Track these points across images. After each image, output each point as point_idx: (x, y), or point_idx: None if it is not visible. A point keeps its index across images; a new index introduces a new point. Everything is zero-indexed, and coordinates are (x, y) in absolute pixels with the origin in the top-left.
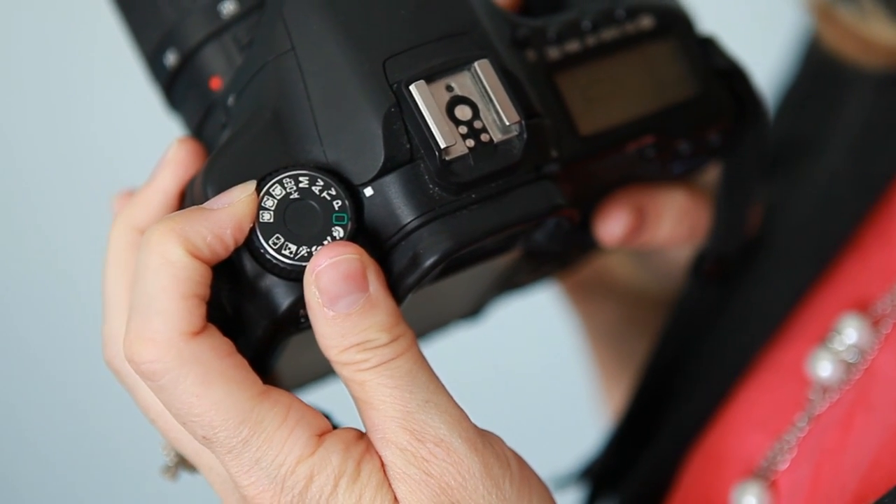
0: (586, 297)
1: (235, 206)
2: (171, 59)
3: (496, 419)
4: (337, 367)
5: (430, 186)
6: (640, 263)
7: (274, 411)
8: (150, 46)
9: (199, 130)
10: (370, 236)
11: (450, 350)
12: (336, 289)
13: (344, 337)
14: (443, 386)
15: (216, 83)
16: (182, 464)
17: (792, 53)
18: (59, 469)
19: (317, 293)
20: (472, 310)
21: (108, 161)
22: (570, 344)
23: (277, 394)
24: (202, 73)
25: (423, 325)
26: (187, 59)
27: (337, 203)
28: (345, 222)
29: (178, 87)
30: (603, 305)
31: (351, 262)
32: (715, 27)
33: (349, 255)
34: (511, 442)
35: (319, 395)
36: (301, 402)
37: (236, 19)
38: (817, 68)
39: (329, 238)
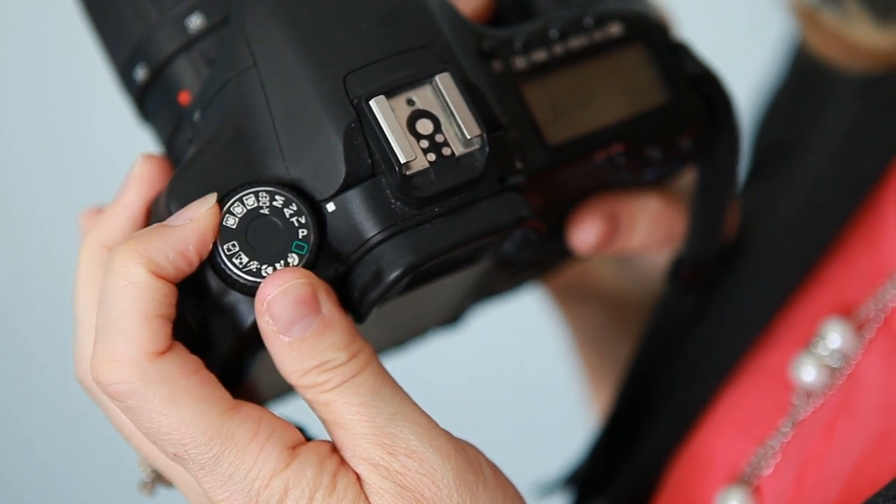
0: (570, 301)
1: (197, 221)
2: (140, 73)
3: (481, 425)
4: (301, 392)
5: (393, 201)
6: (623, 268)
7: (244, 426)
8: (121, 61)
9: (170, 144)
10: (333, 252)
11: (432, 356)
12: (289, 315)
13: (303, 361)
14: (408, 397)
15: (185, 97)
16: (159, 479)
17: (779, 57)
18: (59, 469)
19: (270, 321)
20: (451, 317)
21: (108, 162)
22: (557, 347)
23: (247, 408)
24: (171, 87)
25: (401, 334)
26: (156, 74)
27: (299, 219)
28: (306, 238)
29: (148, 100)
30: (587, 309)
31: (300, 287)
32: (703, 32)
33: (298, 281)
34: (496, 448)
35: (294, 408)
36: (272, 415)
37: (204, 34)
38: (803, 72)
39: (291, 254)
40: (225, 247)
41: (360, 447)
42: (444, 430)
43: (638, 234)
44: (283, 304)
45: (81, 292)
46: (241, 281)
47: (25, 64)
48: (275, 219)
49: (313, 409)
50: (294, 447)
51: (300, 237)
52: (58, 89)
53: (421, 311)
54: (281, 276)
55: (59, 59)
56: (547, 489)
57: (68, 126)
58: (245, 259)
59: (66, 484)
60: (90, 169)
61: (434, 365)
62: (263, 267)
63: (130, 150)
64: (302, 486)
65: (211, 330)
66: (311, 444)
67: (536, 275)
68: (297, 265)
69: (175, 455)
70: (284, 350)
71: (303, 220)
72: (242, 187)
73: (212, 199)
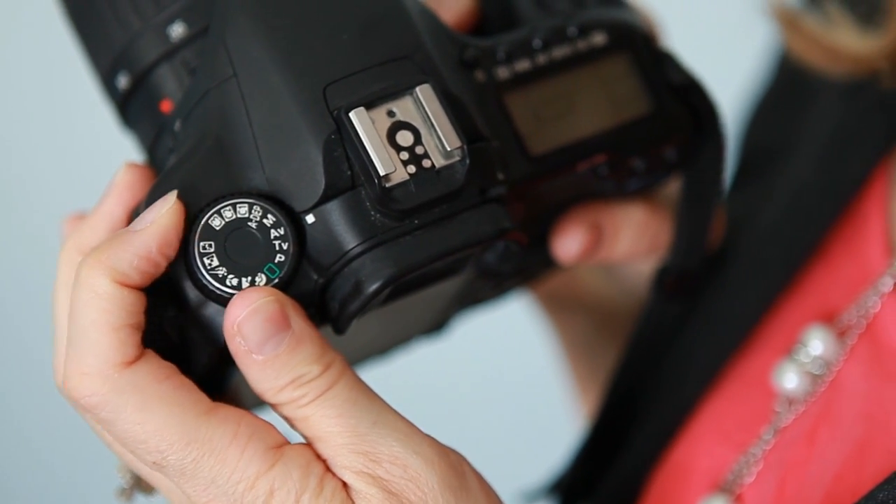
0: (557, 308)
1: (157, 223)
2: (122, 81)
3: (466, 432)
4: (278, 410)
5: (372, 213)
6: (609, 276)
7: (223, 428)
8: (103, 68)
9: (152, 152)
10: (313, 263)
11: (417, 364)
12: (259, 334)
13: (277, 378)
14: (387, 405)
15: (167, 106)
16: (137, 486)
17: (765, 63)
18: (59, 469)
19: (242, 342)
20: (436, 325)
21: (107, 165)
22: (543, 353)
23: (226, 410)
24: (153, 95)
25: (385, 342)
26: (138, 82)
27: (278, 231)
28: (285, 251)
29: (131, 108)
30: (574, 316)
31: (269, 305)
32: (689, 40)
33: (265, 299)
34: (481, 454)
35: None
36: (253, 415)
37: (186, 42)
38: (788, 77)
39: (270, 268)
40: (204, 259)
41: (343, 457)
42: (427, 435)
43: (622, 243)
44: (252, 323)
45: (60, 301)
46: (220, 293)
47: (20, 68)
48: (254, 231)
49: (293, 426)
50: (278, 447)
51: (279, 249)
52: (56, 92)
53: (405, 319)
54: (248, 295)
55: (52, 63)
56: (532, 496)
57: (66, 129)
58: (224, 271)
59: (67, 484)
60: (88, 172)
61: (419, 372)
62: (243, 279)
63: (126, 154)
64: (288, 488)
65: (190, 341)
66: (296, 445)
67: (521, 283)
68: (277, 278)
69: (154, 463)
70: (258, 369)
71: (282, 233)
72: (222, 199)
73: (172, 197)
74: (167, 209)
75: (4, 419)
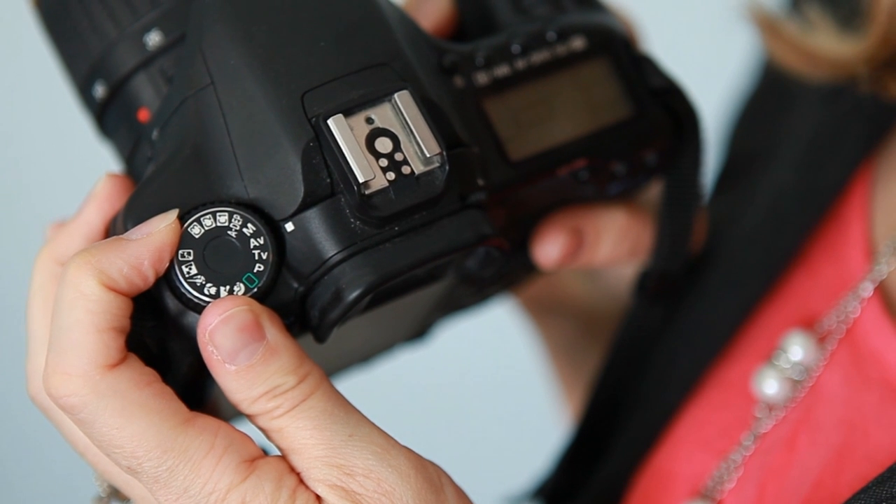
0: (541, 313)
1: (154, 237)
2: (99, 90)
3: (448, 438)
4: (253, 421)
5: (352, 220)
6: (593, 280)
7: (200, 439)
8: (80, 78)
9: (130, 161)
10: (292, 271)
11: (399, 370)
12: (232, 343)
13: (251, 388)
14: (364, 417)
15: (144, 115)
16: (114, 495)
17: (748, 68)
18: (60, 469)
19: (214, 351)
20: (418, 332)
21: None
22: (527, 358)
23: (203, 420)
24: (130, 104)
25: (366, 350)
26: (115, 91)
27: (257, 240)
28: (264, 260)
29: (108, 117)
30: (558, 321)
31: (242, 314)
32: (669, 44)
33: (238, 308)
34: (464, 461)
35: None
36: (230, 427)
37: (162, 50)
38: (771, 82)
39: (249, 277)
40: (183, 268)
41: (317, 469)
42: (404, 448)
43: (604, 247)
44: (225, 332)
45: (34, 307)
46: (199, 302)
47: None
48: (233, 239)
49: (268, 437)
50: (252, 460)
51: (259, 258)
52: (35, 101)
53: (386, 326)
54: (221, 304)
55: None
56: (515, 501)
57: (48, 137)
58: (203, 280)
59: (67, 484)
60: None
61: (403, 378)
62: (221, 288)
63: (108, 162)
64: (259, 501)
65: (170, 351)
66: (270, 458)
67: (503, 289)
68: (256, 287)
69: (129, 468)
70: (231, 378)
71: (262, 242)
72: (201, 207)
73: (172, 215)
74: (166, 225)
75: (4, 419)
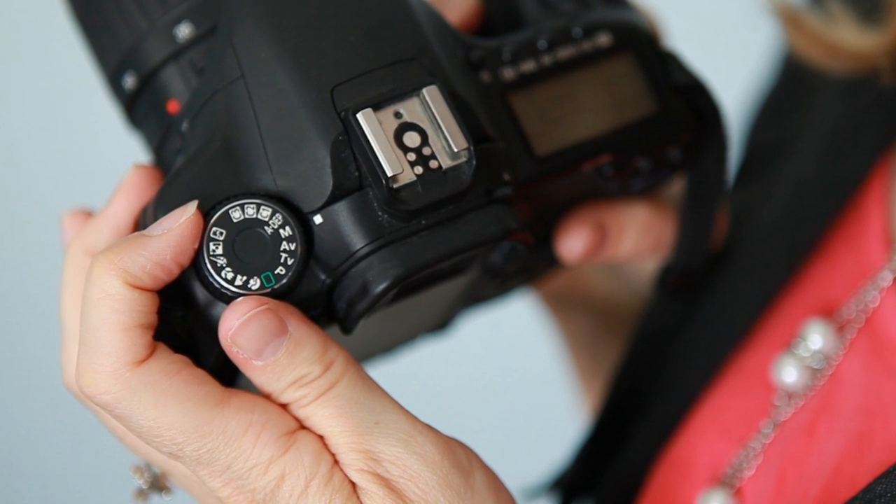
0: (562, 307)
1: (175, 231)
2: (129, 81)
3: (469, 428)
4: (287, 410)
5: (380, 214)
6: (613, 274)
7: (238, 417)
8: (110, 69)
9: (159, 152)
10: (321, 263)
11: (422, 360)
12: (256, 342)
13: (278, 381)
14: (392, 401)
15: (173, 106)
16: (154, 486)
17: (769, 62)
18: (59, 469)
19: (239, 351)
20: (440, 324)
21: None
22: (547, 350)
23: (239, 398)
24: (160, 96)
25: (390, 341)
26: (145, 82)
27: (286, 232)
28: (293, 252)
29: (137, 108)
30: (578, 314)
31: (262, 315)
32: (693, 40)
33: (257, 308)
34: (483, 452)
35: None
36: (266, 402)
37: (192, 42)
38: (791, 76)
39: (279, 267)
40: (212, 259)
41: (346, 455)
42: (433, 432)
43: (626, 242)
44: (247, 333)
45: (66, 299)
46: (228, 293)
47: (27, 66)
48: (262, 231)
49: (303, 425)
50: (291, 433)
51: (287, 250)
52: (62, 91)
53: (410, 318)
54: (239, 307)
55: (59, 63)
56: (533, 493)
57: (74, 127)
58: (232, 271)
59: (67, 484)
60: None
61: (423, 369)
62: (250, 279)
63: (132, 154)
64: (298, 473)
65: (199, 340)
66: (310, 432)
67: (525, 282)
68: (285, 278)
69: (171, 454)
70: (260, 373)
71: (290, 233)
72: (230, 199)
73: (192, 207)
74: (186, 218)
75: (4, 419)
